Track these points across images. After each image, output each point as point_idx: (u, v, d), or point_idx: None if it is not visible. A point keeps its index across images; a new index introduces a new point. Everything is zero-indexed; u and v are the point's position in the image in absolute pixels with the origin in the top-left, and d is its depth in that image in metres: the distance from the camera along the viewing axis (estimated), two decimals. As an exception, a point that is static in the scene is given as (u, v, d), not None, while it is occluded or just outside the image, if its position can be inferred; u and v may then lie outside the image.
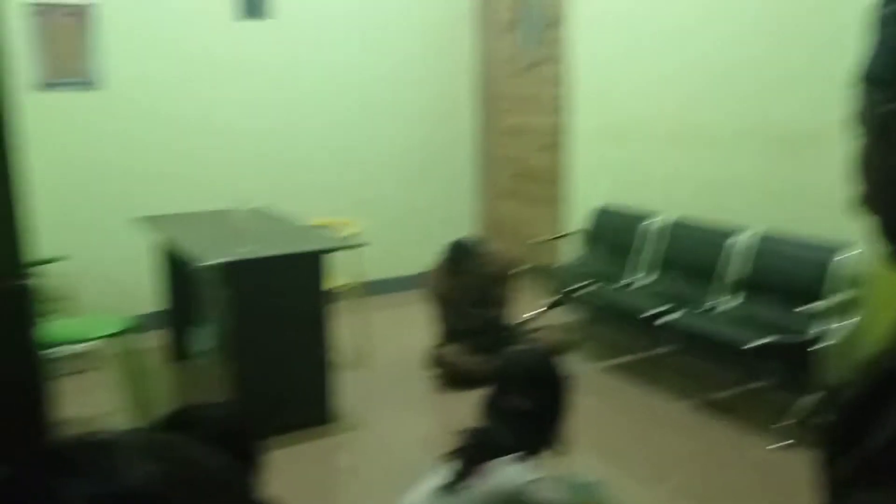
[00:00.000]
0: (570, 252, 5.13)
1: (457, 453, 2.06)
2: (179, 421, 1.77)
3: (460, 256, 4.14)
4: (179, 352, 4.39)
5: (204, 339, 4.13)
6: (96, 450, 0.54)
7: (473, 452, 2.02)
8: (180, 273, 4.18)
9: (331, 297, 3.67)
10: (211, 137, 5.06)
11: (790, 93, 3.89)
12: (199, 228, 4.12)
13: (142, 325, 4.02)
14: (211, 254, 3.41)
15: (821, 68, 3.73)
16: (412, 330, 4.76)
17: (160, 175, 4.92)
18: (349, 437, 3.65)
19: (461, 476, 1.99)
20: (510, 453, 1.99)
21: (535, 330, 4.41)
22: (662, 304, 4.02)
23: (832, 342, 3.47)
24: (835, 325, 3.53)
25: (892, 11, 0.60)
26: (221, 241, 3.59)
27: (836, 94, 3.66)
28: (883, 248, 0.63)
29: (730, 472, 3.26)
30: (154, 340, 4.39)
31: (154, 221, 4.21)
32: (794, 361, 3.70)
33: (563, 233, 5.23)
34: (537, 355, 2.37)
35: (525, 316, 4.82)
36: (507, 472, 1.96)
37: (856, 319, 3.52)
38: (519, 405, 2.04)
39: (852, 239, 3.53)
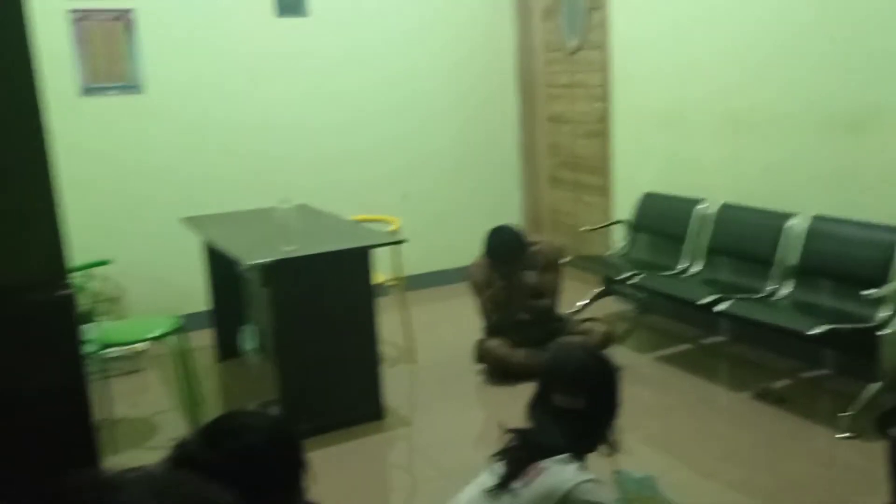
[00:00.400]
0: (618, 240, 5.03)
1: (505, 453, 2.01)
2: (225, 428, 1.75)
3: (505, 246, 4.07)
4: (228, 351, 4.42)
5: (252, 337, 4.14)
6: (103, 489, 0.51)
7: (522, 453, 1.96)
8: (227, 272, 4.19)
9: (375, 292, 3.65)
10: (252, 136, 5.07)
11: (842, 71, 3.72)
12: (244, 227, 4.13)
13: (190, 324, 4.05)
14: (257, 253, 3.40)
15: (874, 45, 3.57)
16: (457, 324, 4.71)
17: (203, 175, 4.95)
18: (399, 433, 3.63)
19: (510, 477, 1.94)
20: (560, 453, 1.93)
21: (584, 321, 4.33)
22: (716, 292, 3.90)
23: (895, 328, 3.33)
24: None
25: None
26: (267, 240, 3.59)
27: (892, 71, 3.52)
28: None
29: (791, 464, 3.15)
30: (203, 340, 4.42)
31: (199, 221, 4.23)
32: (857, 348, 3.57)
33: (611, 221, 5.14)
34: (586, 351, 2.29)
35: (574, 307, 4.75)
36: (557, 472, 1.91)
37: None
38: (568, 404, 1.98)
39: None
